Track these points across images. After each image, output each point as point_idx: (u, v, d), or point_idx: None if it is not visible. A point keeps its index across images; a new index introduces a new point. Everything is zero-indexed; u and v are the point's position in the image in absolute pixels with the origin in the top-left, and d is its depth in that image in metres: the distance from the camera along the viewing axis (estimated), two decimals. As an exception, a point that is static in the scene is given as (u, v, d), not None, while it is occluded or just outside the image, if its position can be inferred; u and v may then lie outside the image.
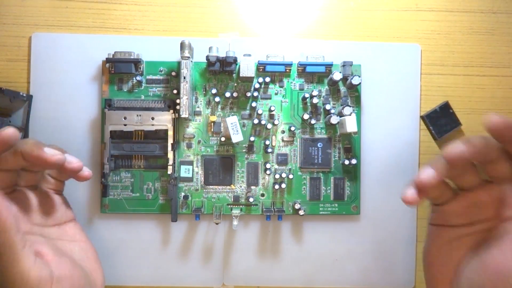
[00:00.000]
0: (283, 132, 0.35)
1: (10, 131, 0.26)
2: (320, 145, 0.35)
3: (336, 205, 0.35)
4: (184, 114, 0.32)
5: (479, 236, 0.29)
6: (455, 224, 0.29)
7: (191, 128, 0.35)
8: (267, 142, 0.34)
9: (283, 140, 0.35)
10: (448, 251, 0.29)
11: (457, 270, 0.29)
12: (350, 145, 0.35)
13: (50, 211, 0.30)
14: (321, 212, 0.35)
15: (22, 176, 0.29)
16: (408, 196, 0.28)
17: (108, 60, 0.33)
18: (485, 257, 0.27)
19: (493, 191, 0.28)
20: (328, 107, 0.35)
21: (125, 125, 0.33)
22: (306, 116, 0.34)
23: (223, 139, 0.34)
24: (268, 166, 0.34)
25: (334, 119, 0.33)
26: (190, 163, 0.35)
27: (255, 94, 0.34)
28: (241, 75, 0.33)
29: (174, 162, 0.34)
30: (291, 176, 0.35)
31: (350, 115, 0.33)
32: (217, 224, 0.35)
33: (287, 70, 0.35)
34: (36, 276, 0.25)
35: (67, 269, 0.27)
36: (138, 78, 0.34)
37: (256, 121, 0.34)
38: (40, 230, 0.29)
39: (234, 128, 0.33)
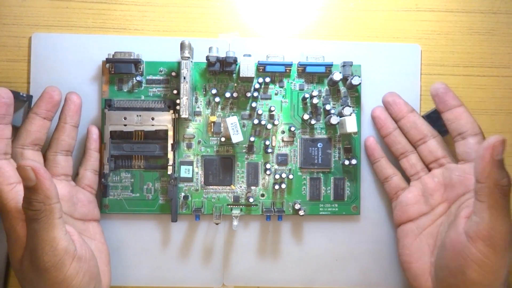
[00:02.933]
0: (283, 132, 0.35)
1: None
2: (320, 145, 0.35)
3: (336, 205, 0.35)
4: (184, 114, 0.32)
5: (438, 222, 0.32)
6: (414, 215, 0.33)
7: (191, 128, 0.35)
8: (267, 143, 0.34)
9: (283, 140, 0.35)
10: (419, 246, 0.32)
11: (432, 259, 0.31)
12: (350, 145, 0.35)
13: (79, 205, 0.32)
14: (321, 212, 0.35)
15: (58, 161, 0.32)
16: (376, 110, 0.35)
17: (108, 60, 0.33)
18: (444, 240, 0.29)
19: (436, 176, 0.33)
20: (328, 107, 0.35)
21: (125, 125, 0.33)
22: (306, 116, 0.34)
23: (223, 139, 0.34)
24: (268, 166, 0.34)
25: (334, 119, 0.33)
26: (190, 163, 0.35)
27: (255, 94, 0.34)
28: (241, 75, 0.33)
29: (174, 162, 0.34)
30: (291, 176, 0.35)
31: (350, 115, 0.33)
32: (217, 224, 0.35)
33: (287, 70, 0.35)
34: (64, 246, 0.26)
35: (88, 253, 0.29)
36: (138, 78, 0.34)
37: (256, 121, 0.34)
38: (67, 219, 0.30)
39: (234, 128, 0.33)
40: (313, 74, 0.35)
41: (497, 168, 0.25)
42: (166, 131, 0.34)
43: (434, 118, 0.36)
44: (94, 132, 0.34)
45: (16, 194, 0.27)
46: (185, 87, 0.32)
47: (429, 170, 0.34)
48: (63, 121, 0.32)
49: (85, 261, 0.28)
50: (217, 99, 0.34)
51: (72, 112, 0.32)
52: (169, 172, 0.33)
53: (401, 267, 0.33)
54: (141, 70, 0.35)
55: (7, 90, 0.28)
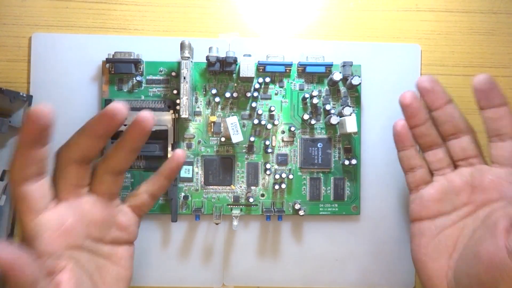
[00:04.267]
0: (283, 132, 0.35)
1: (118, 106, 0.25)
2: (320, 145, 0.35)
3: (336, 205, 0.35)
4: (184, 114, 0.32)
5: (461, 224, 0.30)
6: (433, 214, 0.31)
7: (191, 129, 0.35)
8: (267, 142, 0.34)
9: (283, 140, 0.35)
10: (437, 246, 0.30)
11: (450, 263, 0.29)
12: (350, 145, 0.35)
13: (115, 228, 0.29)
14: (321, 212, 0.35)
15: (101, 181, 0.28)
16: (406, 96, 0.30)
17: (108, 60, 0.33)
18: (477, 249, 0.27)
19: (464, 175, 0.30)
20: (328, 107, 0.35)
21: (125, 125, 0.33)
22: (306, 116, 0.34)
23: (223, 139, 0.34)
24: (268, 166, 0.34)
25: (334, 119, 0.33)
26: (190, 163, 0.35)
27: (255, 94, 0.35)
28: (241, 75, 0.33)
29: (174, 162, 0.34)
30: (291, 176, 0.35)
31: (350, 115, 0.33)
32: (217, 224, 0.35)
33: (287, 70, 0.35)
34: None
35: None
36: (138, 78, 0.34)
37: (256, 121, 0.34)
38: (91, 246, 0.27)
39: (234, 128, 0.33)
40: (313, 74, 0.35)
41: None
42: (166, 131, 0.34)
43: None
44: (177, 158, 0.30)
45: (35, 226, 0.25)
46: (185, 87, 0.32)
47: (455, 167, 0.31)
48: (123, 143, 0.27)
49: None
50: (217, 99, 0.34)
51: (136, 137, 0.27)
52: (169, 172, 0.33)
53: (414, 265, 0.32)
54: (141, 70, 0.35)
55: (45, 109, 0.23)
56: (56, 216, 0.26)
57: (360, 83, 0.33)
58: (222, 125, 0.35)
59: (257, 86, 0.34)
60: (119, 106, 0.25)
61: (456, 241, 0.30)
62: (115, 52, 0.34)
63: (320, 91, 0.35)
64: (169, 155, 0.33)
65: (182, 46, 0.32)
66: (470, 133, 0.31)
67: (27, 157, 0.24)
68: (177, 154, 0.30)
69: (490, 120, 0.29)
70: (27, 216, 0.25)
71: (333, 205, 0.35)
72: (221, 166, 0.35)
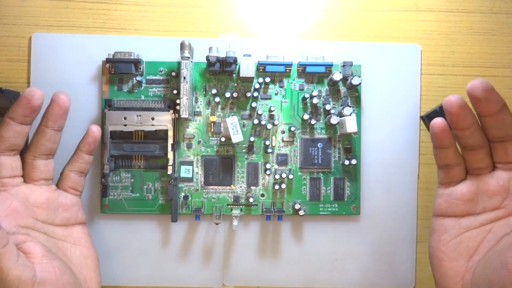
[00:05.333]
0: (283, 132, 0.35)
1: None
2: (320, 145, 0.35)
3: (336, 205, 0.35)
4: (184, 114, 0.32)
5: (487, 227, 0.29)
6: (460, 212, 0.29)
7: (191, 128, 0.35)
8: (267, 142, 0.34)
9: (283, 140, 0.35)
10: (458, 245, 0.29)
11: (469, 264, 0.29)
12: (350, 145, 0.35)
13: (60, 210, 0.30)
14: (321, 212, 0.35)
15: (36, 165, 0.30)
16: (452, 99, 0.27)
17: (108, 60, 0.33)
18: (505, 257, 0.26)
19: (501, 178, 0.29)
20: (328, 107, 0.35)
21: (125, 125, 0.33)
22: (306, 116, 0.34)
23: (223, 139, 0.34)
24: (268, 166, 0.34)
25: (334, 119, 0.33)
26: (190, 163, 0.35)
27: (255, 94, 0.35)
28: (241, 75, 0.33)
29: (174, 162, 0.34)
30: (291, 176, 0.35)
31: (350, 115, 0.33)
32: (217, 224, 0.35)
33: (287, 70, 0.35)
34: (16, 275, 0.25)
35: (54, 273, 0.27)
36: (138, 78, 0.34)
37: (256, 121, 0.34)
38: (44, 227, 0.29)
39: (234, 128, 0.33)
40: (313, 74, 0.35)
41: None
42: (166, 131, 0.34)
43: (434, 119, 0.36)
44: (92, 133, 0.31)
45: None
46: (185, 87, 0.32)
47: (494, 168, 0.29)
48: (44, 124, 0.30)
49: (50, 282, 0.26)
50: (217, 99, 0.34)
51: (55, 116, 0.29)
52: (169, 172, 0.33)
53: (430, 261, 0.31)
54: (141, 70, 0.35)
55: (38, 91, 0.28)
56: (2, 199, 0.28)
57: (360, 83, 0.33)
58: (222, 125, 0.35)
59: (257, 86, 0.34)
60: (34, 89, 0.28)
61: (479, 243, 0.29)
62: (115, 52, 0.34)
63: (320, 91, 0.35)
64: (169, 155, 0.33)
65: (182, 46, 0.32)
66: None
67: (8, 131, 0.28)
68: (91, 129, 0.31)
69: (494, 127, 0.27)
70: None
71: (333, 205, 0.35)
72: (221, 166, 0.35)
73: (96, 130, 0.31)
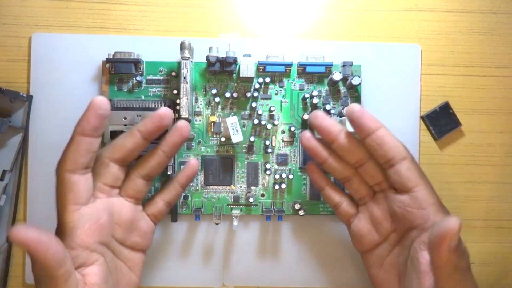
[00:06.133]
0: (283, 132, 0.35)
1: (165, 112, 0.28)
2: (320, 145, 0.35)
3: (336, 205, 0.35)
4: (184, 114, 0.32)
5: (395, 252, 0.30)
6: (369, 246, 0.31)
7: (191, 129, 0.35)
8: (267, 143, 0.34)
9: (283, 140, 0.35)
10: (385, 277, 0.30)
11: None
12: (350, 145, 0.35)
13: (136, 233, 0.30)
14: (321, 212, 0.35)
15: (137, 184, 0.29)
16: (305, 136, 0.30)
17: (108, 60, 0.33)
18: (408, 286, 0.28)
19: (380, 202, 0.30)
20: (328, 107, 0.35)
21: (125, 125, 0.33)
22: (306, 117, 0.34)
23: (223, 139, 0.34)
24: (268, 166, 0.34)
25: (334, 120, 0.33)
26: (190, 163, 0.35)
27: (255, 94, 0.35)
28: (241, 75, 0.33)
29: (174, 163, 0.34)
30: (291, 176, 0.35)
31: (350, 115, 0.33)
32: (217, 224, 0.35)
33: (287, 70, 0.35)
34: None
35: None
36: (138, 78, 0.34)
37: (256, 121, 0.34)
38: (115, 246, 0.29)
39: (234, 128, 0.33)
40: (313, 74, 0.35)
41: (454, 253, 0.24)
42: (166, 131, 0.34)
43: (434, 119, 0.36)
44: (193, 167, 0.31)
45: (78, 216, 0.26)
46: (185, 87, 0.32)
47: (374, 193, 0.31)
48: (161, 148, 0.29)
49: None
50: (217, 99, 0.34)
51: (175, 143, 0.29)
52: (169, 172, 0.33)
53: None
54: (141, 70, 0.35)
55: (106, 100, 0.26)
56: (95, 211, 0.27)
57: (360, 83, 0.33)
58: (222, 125, 0.35)
59: (257, 86, 0.34)
60: (167, 111, 0.28)
61: (398, 268, 0.29)
62: (115, 52, 0.34)
63: (320, 91, 0.35)
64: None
65: (182, 46, 0.32)
66: (372, 159, 0.29)
67: (83, 146, 0.26)
68: (193, 162, 0.31)
69: (374, 149, 0.28)
70: (71, 206, 0.26)
71: (333, 205, 0.35)
72: (221, 166, 0.35)
73: (196, 164, 0.31)
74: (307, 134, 0.30)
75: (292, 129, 0.34)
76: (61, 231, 0.26)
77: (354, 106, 0.28)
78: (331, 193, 0.32)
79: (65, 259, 0.24)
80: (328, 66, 0.34)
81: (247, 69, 0.33)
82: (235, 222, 0.34)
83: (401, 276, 0.29)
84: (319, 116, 0.29)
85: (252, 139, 0.34)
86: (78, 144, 0.25)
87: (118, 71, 0.34)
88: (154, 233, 0.32)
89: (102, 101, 0.26)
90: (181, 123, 0.29)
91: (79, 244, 0.26)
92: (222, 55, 0.33)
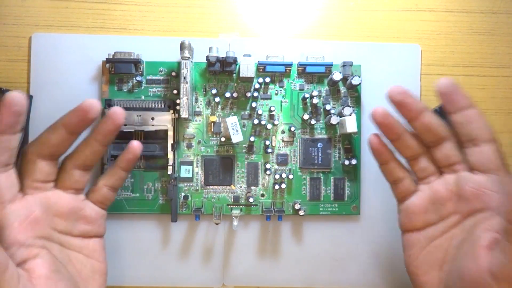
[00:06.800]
0: (283, 132, 0.35)
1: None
2: (320, 145, 0.35)
3: (336, 205, 0.35)
4: (184, 114, 0.32)
5: (449, 234, 0.29)
6: (420, 225, 0.29)
7: (191, 129, 0.35)
8: (267, 143, 0.34)
9: (283, 140, 0.35)
10: (427, 258, 0.29)
11: (441, 275, 0.28)
12: (350, 145, 0.35)
13: (82, 221, 0.29)
14: (321, 212, 0.35)
15: (73, 174, 0.28)
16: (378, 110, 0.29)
17: (108, 60, 0.33)
18: (461, 267, 0.26)
19: (448, 183, 0.29)
20: (328, 107, 0.35)
21: (125, 125, 0.33)
22: (306, 117, 0.34)
23: (223, 139, 0.34)
24: (268, 166, 0.34)
25: (334, 119, 0.33)
26: (190, 163, 0.35)
27: (255, 94, 0.35)
28: (241, 75, 0.33)
29: (174, 162, 0.34)
30: (291, 176, 0.35)
31: (350, 115, 0.33)
32: (217, 224, 0.35)
33: (287, 70, 0.35)
34: None
35: None
36: (138, 78, 0.34)
37: (256, 121, 0.34)
38: (60, 237, 0.28)
39: (234, 128, 0.33)
40: (313, 74, 0.35)
41: None
42: (166, 131, 0.34)
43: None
44: (133, 149, 0.30)
45: (4, 215, 0.25)
46: (185, 87, 0.32)
47: (441, 173, 0.29)
48: (93, 137, 0.28)
49: None
50: (217, 99, 0.34)
51: (108, 131, 0.28)
52: (169, 172, 0.33)
53: (408, 275, 0.31)
54: (141, 70, 0.35)
55: (21, 95, 0.24)
56: (23, 207, 0.26)
57: (360, 83, 0.33)
58: (222, 125, 0.35)
59: (257, 86, 0.34)
60: (93, 102, 0.26)
61: (445, 252, 0.28)
62: (115, 52, 0.34)
63: (320, 91, 0.35)
64: (169, 155, 0.33)
65: (182, 46, 0.32)
66: (452, 139, 0.29)
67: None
68: (133, 145, 0.30)
69: (460, 125, 0.28)
70: None
71: (333, 205, 0.35)
72: (221, 166, 0.35)
73: (137, 146, 0.30)
74: (381, 109, 0.28)
75: (292, 129, 0.34)
76: None
77: (448, 80, 0.27)
78: (395, 167, 0.30)
79: (8, 265, 0.23)
80: (328, 66, 0.34)
81: (247, 69, 0.33)
82: (235, 222, 0.34)
83: (447, 259, 0.28)
84: (403, 92, 0.28)
85: (252, 139, 0.34)
86: None
87: (118, 71, 0.34)
88: (105, 217, 0.31)
89: (16, 97, 0.24)
90: (114, 110, 0.28)
91: (11, 242, 0.25)
92: (222, 55, 0.33)
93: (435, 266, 0.29)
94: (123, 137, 0.34)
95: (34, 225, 0.27)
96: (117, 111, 0.28)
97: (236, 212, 0.34)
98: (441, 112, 0.34)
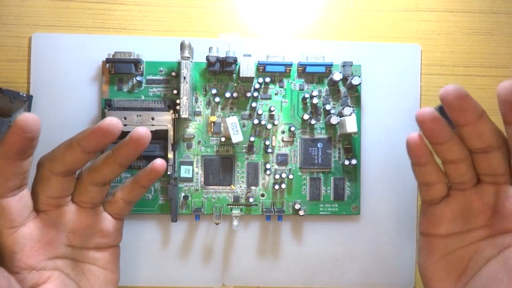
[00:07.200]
0: (283, 132, 0.35)
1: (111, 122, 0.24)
2: (320, 145, 0.35)
3: (336, 205, 0.35)
4: (184, 114, 0.32)
5: (474, 246, 0.27)
6: (445, 232, 0.27)
7: (191, 129, 0.35)
8: (267, 142, 0.34)
9: (283, 140, 0.35)
10: (445, 265, 0.27)
11: (458, 285, 0.27)
12: (350, 145, 0.35)
13: (99, 235, 0.28)
14: (321, 212, 0.35)
15: (90, 190, 0.27)
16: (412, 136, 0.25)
17: (108, 60, 0.33)
18: (490, 286, 0.24)
19: (486, 194, 0.26)
20: (328, 107, 0.35)
21: (125, 125, 0.33)
22: (306, 116, 0.34)
23: (223, 139, 0.34)
24: (268, 166, 0.34)
25: (334, 119, 0.33)
26: (190, 163, 0.35)
27: (255, 94, 0.35)
28: (241, 75, 0.33)
29: (174, 162, 0.34)
30: (291, 176, 0.35)
31: (350, 115, 0.33)
32: (217, 224, 0.35)
33: (287, 70, 0.35)
34: None
35: None
36: (138, 78, 0.34)
37: (256, 121, 0.34)
38: (74, 253, 0.27)
39: (234, 128, 0.33)
40: (313, 74, 0.35)
41: None
42: (166, 131, 0.34)
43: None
44: (156, 169, 0.28)
45: (15, 240, 0.24)
46: (185, 87, 0.32)
47: (479, 181, 0.27)
48: (113, 158, 0.26)
49: None
50: (217, 99, 0.34)
51: (130, 154, 0.26)
52: (169, 172, 0.33)
53: (420, 276, 0.29)
54: (141, 70, 0.35)
55: (34, 118, 0.22)
56: (37, 228, 0.25)
57: (360, 83, 0.33)
58: (222, 125, 0.35)
59: (257, 86, 0.34)
60: (115, 122, 0.24)
61: (467, 263, 0.27)
62: (115, 52, 0.34)
63: (320, 91, 0.35)
64: (169, 155, 0.33)
65: (182, 46, 0.32)
66: (502, 148, 0.25)
67: (9, 170, 0.23)
68: (157, 164, 0.28)
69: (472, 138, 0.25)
70: (5, 230, 0.24)
71: (333, 205, 0.35)
72: (221, 166, 0.35)
73: (160, 166, 0.28)
74: (429, 112, 0.24)
75: (292, 129, 0.34)
76: (2, 256, 0.25)
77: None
78: (432, 170, 0.26)
79: (9, 287, 0.22)
80: (328, 66, 0.34)
81: (247, 69, 0.33)
82: (235, 222, 0.34)
83: (467, 272, 0.26)
84: (463, 96, 0.23)
85: (252, 139, 0.34)
86: (2, 169, 0.23)
87: (118, 71, 0.34)
88: (122, 227, 0.30)
89: (28, 121, 0.22)
90: (138, 133, 0.25)
91: (23, 267, 0.24)
92: (222, 55, 0.33)
93: (453, 276, 0.27)
94: (123, 137, 0.34)
95: (48, 247, 0.26)
96: (141, 133, 0.25)
97: (236, 212, 0.34)
98: (441, 112, 0.34)
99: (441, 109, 0.34)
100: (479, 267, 0.26)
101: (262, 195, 0.35)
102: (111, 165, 0.26)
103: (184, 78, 0.32)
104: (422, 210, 0.29)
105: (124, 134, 0.34)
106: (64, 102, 0.35)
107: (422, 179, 0.27)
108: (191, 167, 0.35)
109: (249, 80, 0.35)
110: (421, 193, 0.28)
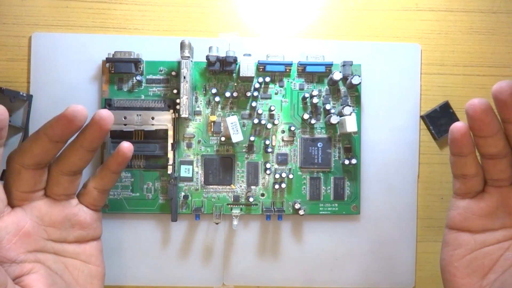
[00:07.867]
0: (283, 132, 0.35)
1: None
2: (320, 145, 0.35)
3: (336, 205, 0.35)
4: (184, 114, 0.32)
5: (505, 244, 0.27)
6: (476, 228, 0.27)
7: (191, 128, 0.35)
8: (267, 142, 0.34)
9: (283, 140, 0.35)
10: (472, 262, 0.27)
11: (484, 283, 0.27)
12: (350, 145, 0.35)
13: (77, 228, 0.28)
14: (321, 212, 0.35)
15: (61, 181, 0.27)
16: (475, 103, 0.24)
17: (108, 60, 0.33)
18: None
19: None
20: (328, 107, 0.35)
21: (125, 124, 0.33)
22: (306, 116, 0.34)
23: (223, 139, 0.34)
24: (268, 166, 0.34)
25: (334, 119, 0.33)
26: (190, 163, 0.35)
27: (255, 94, 0.34)
28: (241, 75, 0.33)
29: (174, 162, 0.34)
30: (291, 176, 0.35)
31: (350, 115, 0.33)
32: (217, 224, 0.35)
33: (287, 70, 0.35)
34: None
35: None
36: (138, 78, 0.34)
37: (256, 121, 0.34)
38: (54, 247, 0.27)
39: (234, 128, 0.33)
40: (313, 74, 0.35)
41: None
42: (166, 131, 0.34)
43: (434, 118, 0.36)
44: (123, 152, 0.28)
45: None
46: (185, 86, 0.32)
47: None
48: (79, 143, 0.26)
49: None
50: (217, 99, 0.34)
51: (94, 137, 0.26)
52: (169, 171, 0.33)
53: (441, 273, 0.29)
54: (141, 69, 0.35)
55: (2, 109, 0.22)
56: (12, 222, 0.25)
57: (360, 83, 0.33)
58: (222, 124, 0.35)
59: (257, 85, 0.34)
60: (79, 109, 0.24)
61: (495, 261, 0.26)
62: (115, 52, 0.34)
63: (320, 91, 0.35)
64: (169, 155, 0.33)
65: (182, 45, 0.32)
66: None
67: None
68: (123, 147, 0.28)
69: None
70: None
71: (333, 205, 0.35)
72: (221, 166, 0.35)
73: (127, 149, 0.28)
74: (479, 102, 0.24)
75: (292, 128, 0.34)
76: None
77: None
78: (471, 162, 0.26)
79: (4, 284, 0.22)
80: (328, 66, 0.34)
81: (247, 68, 0.33)
82: (235, 222, 0.34)
83: (495, 269, 0.26)
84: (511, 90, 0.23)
85: (252, 138, 0.34)
86: None
87: (118, 70, 0.34)
88: (100, 219, 0.30)
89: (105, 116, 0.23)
90: (100, 115, 0.26)
91: (2, 260, 0.24)
92: (222, 54, 0.33)
93: (478, 273, 0.27)
94: (123, 136, 0.34)
95: (25, 240, 0.26)
96: (103, 116, 0.26)
97: (236, 211, 0.34)
98: (436, 113, 0.34)
99: (441, 109, 0.34)
100: (509, 264, 0.26)
101: (262, 195, 0.35)
102: (78, 151, 0.26)
103: (184, 77, 0.32)
104: (454, 204, 0.28)
105: (124, 134, 0.34)
106: (64, 101, 0.35)
107: (460, 170, 0.27)
108: (191, 166, 0.35)
109: (249, 79, 0.35)
110: (456, 185, 0.28)
